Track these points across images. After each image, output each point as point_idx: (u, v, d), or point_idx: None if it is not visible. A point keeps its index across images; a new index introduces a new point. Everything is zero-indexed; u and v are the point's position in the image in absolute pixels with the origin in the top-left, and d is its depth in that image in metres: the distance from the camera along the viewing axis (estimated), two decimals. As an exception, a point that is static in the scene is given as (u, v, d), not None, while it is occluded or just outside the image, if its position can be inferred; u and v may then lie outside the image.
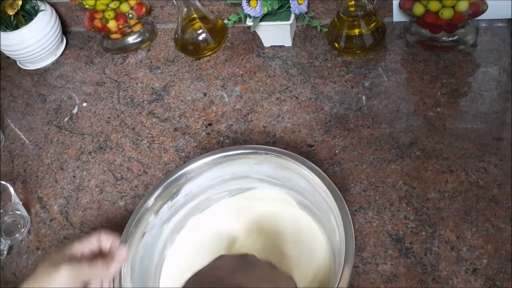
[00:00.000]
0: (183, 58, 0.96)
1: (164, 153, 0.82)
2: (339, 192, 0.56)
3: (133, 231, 0.60)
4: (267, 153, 0.62)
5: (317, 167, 0.59)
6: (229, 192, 0.69)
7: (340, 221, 0.54)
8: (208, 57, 0.94)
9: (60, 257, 0.54)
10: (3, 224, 0.77)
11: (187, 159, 0.79)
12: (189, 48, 0.94)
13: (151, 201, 0.63)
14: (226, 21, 0.90)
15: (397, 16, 0.88)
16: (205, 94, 0.88)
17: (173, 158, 0.81)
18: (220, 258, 0.51)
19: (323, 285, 0.58)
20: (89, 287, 0.54)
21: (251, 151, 0.64)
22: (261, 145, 0.77)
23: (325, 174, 0.58)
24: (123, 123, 0.89)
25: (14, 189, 0.75)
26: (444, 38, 0.81)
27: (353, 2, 0.80)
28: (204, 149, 0.80)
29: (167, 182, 0.64)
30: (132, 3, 0.98)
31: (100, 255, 0.57)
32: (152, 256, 0.64)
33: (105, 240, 0.58)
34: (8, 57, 1.07)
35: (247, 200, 0.69)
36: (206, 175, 0.66)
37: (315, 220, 0.64)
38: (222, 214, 0.69)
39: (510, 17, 0.82)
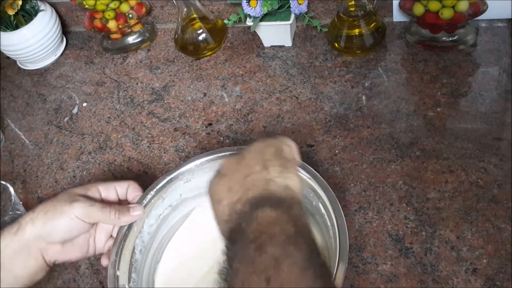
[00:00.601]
0: (183, 58, 0.96)
1: (164, 153, 0.82)
2: (330, 189, 0.57)
3: (127, 233, 0.60)
4: None
5: (309, 167, 0.59)
6: None
7: (333, 220, 0.54)
8: (208, 57, 0.94)
9: (80, 192, 0.57)
10: (3, 224, 0.77)
11: (187, 159, 0.78)
12: (189, 48, 0.94)
13: (146, 200, 0.62)
14: (226, 21, 0.90)
15: (397, 16, 0.88)
16: (205, 94, 0.88)
17: (173, 158, 0.81)
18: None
19: None
20: (99, 229, 0.59)
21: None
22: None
23: (317, 173, 0.58)
24: (123, 123, 0.89)
25: (14, 189, 0.75)
26: (444, 38, 0.81)
27: (353, 2, 0.80)
28: (204, 149, 0.80)
29: (163, 182, 0.64)
30: (132, 3, 0.98)
31: (119, 203, 0.60)
32: (147, 256, 0.64)
33: (131, 193, 0.62)
34: (8, 57, 1.07)
35: None
36: (201, 176, 0.65)
37: (311, 221, 0.64)
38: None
39: (510, 17, 0.82)
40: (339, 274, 0.50)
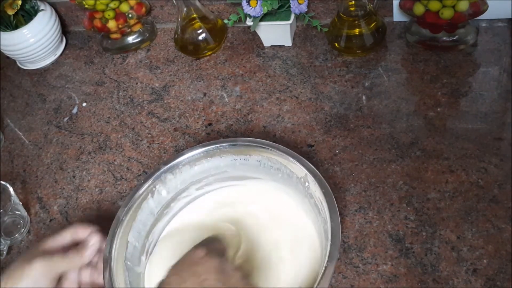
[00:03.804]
0: (183, 58, 0.96)
1: (164, 153, 0.82)
2: (328, 185, 0.57)
3: (123, 220, 0.61)
4: (263, 147, 0.62)
5: (302, 158, 0.59)
6: (221, 183, 0.69)
7: (327, 210, 0.55)
8: (208, 57, 0.94)
9: (34, 252, 0.55)
10: (3, 224, 0.77)
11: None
12: (189, 48, 0.94)
13: (142, 190, 0.63)
14: (226, 21, 0.90)
15: (397, 16, 0.88)
16: (205, 94, 0.88)
17: (173, 158, 0.80)
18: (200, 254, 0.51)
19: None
20: (66, 280, 0.55)
21: (247, 143, 0.64)
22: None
23: (308, 162, 0.59)
24: (122, 123, 0.88)
25: (13, 189, 0.75)
26: (444, 38, 0.81)
27: (353, 2, 0.80)
28: (204, 149, 0.80)
29: (159, 171, 0.64)
30: (132, 2, 0.98)
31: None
32: (142, 244, 0.64)
33: (82, 233, 0.59)
34: (7, 57, 1.06)
35: (239, 193, 0.69)
36: (198, 166, 0.66)
37: (307, 215, 0.64)
38: (212, 206, 0.69)
39: (510, 17, 0.82)
40: (329, 270, 0.50)
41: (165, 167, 0.64)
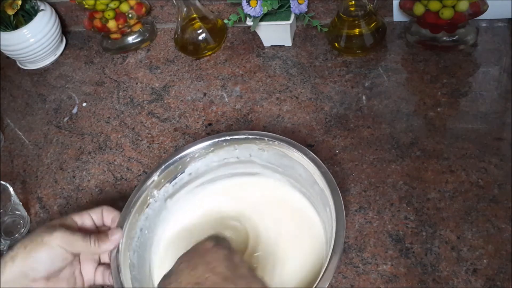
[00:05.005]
0: (183, 58, 0.96)
1: (164, 153, 0.82)
2: (333, 179, 0.57)
3: (135, 204, 0.61)
4: (270, 140, 0.63)
5: (314, 155, 0.60)
6: (232, 174, 0.69)
7: (333, 206, 0.55)
8: (208, 57, 0.94)
9: (56, 224, 0.55)
10: (3, 224, 0.77)
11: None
12: (189, 48, 0.94)
13: (154, 177, 0.64)
14: (226, 21, 0.90)
15: (397, 16, 0.88)
16: (205, 94, 0.88)
17: (173, 158, 0.80)
18: (210, 245, 0.51)
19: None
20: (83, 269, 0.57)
21: (254, 136, 0.65)
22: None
23: (321, 161, 0.59)
24: (122, 123, 0.88)
25: (13, 189, 0.75)
26: (444, 38, 0.81)
27: (353, 2, 0.80)
28: (204, 149, 0.80)
29: (172, 160, 0.65)
30: (132, 3, 0.98)
31: (98, 231, 0.59)
32: (152, 230, 0.65)
33: (106, 216, 0.60)
34: (8, 57, 1.06)
35: (249, 184, 0.69)
36: (210, 156, 0.67)
37: (314, 209, 0.64)
38: (223, 195, 0.69)
39: (510, 17, 0.82)
40: (332, 263, 0.50)
41: (184, 153, 0.65)
